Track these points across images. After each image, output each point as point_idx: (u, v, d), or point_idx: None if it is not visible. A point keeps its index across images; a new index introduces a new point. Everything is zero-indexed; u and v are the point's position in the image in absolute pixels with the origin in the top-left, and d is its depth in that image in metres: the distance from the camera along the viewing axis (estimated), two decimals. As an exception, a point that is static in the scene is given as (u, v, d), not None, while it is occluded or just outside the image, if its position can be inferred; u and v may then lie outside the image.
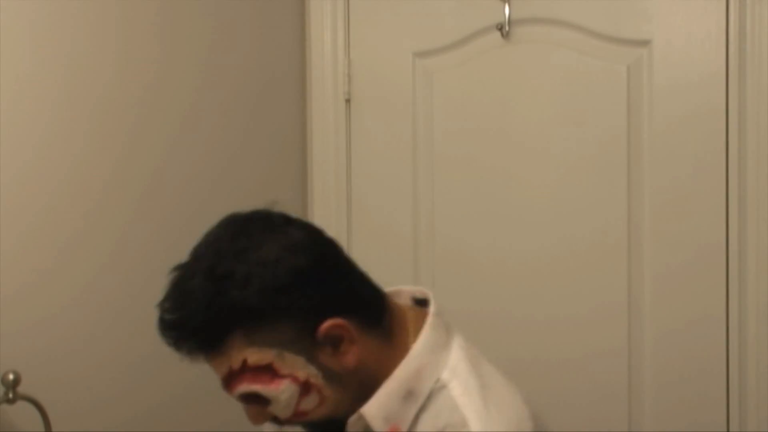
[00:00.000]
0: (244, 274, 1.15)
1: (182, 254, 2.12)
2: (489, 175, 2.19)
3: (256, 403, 1.19)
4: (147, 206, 2.03)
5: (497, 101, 2.20)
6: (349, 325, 1.15)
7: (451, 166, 2.23)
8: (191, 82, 2.13)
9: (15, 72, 1.78)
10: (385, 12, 2.33)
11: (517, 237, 2.19)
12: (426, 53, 2.29)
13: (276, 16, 2.32)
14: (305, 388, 1.16)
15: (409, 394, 1.17)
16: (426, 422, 1.17)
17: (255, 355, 1.15)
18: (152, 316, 2.03)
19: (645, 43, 2.10)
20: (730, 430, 2.04)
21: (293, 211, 2.44)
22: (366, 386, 1.18)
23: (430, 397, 1.18)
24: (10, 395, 1.71)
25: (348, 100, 2.34)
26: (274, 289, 1.13)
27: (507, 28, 2.18)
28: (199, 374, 2.11)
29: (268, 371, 1.16)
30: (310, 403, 1.17)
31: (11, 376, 1.72)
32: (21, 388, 1.73)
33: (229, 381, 1.18)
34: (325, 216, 2.35)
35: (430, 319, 1.21)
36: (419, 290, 1.28)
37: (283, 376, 1.15)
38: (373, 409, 1.17)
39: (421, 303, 1.26)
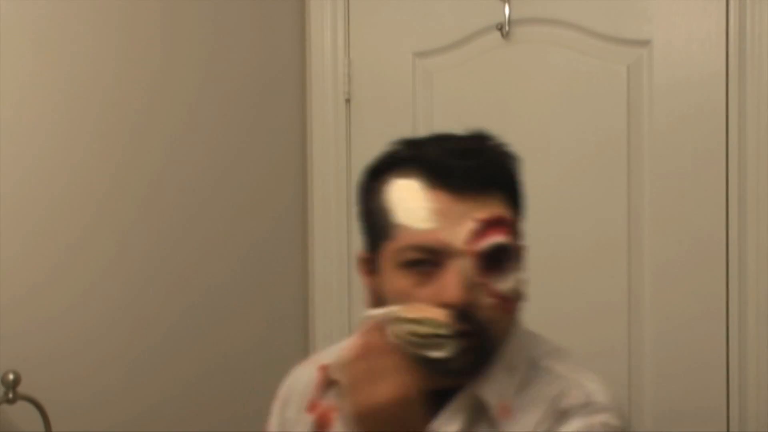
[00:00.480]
0: None
1: (183, 255, 2.13)
2: (489, 175, 2.19)
3: (490, 264, 1.14)
4: (148, 207, 2.03)
5: (497, 101, 2.20)
6: None
7: (451, 166, 2.23)
8: (191, 83, 2.13)
9: (17, 75, 1.78)
10: (385, 12, 2.33)
11: (517, 237, 2.19)
12: (426, 53, 2.29)
13: (276, 16, 2.32)
14: (520, 282, 1.19)
15: (511, 370, 1.20)
16: (531, 399, 1.18)
17: (512, 222, 1.18)
18: (152, 316, 2.05)
19: (645, 43, 2.10)
20: (730, 427, 2.04)
21: (293, 211, 2.48)
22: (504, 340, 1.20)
23: (528, 375, 1.20)
24: (10, 395, 1.72)
25: (348, 100, 2.34)
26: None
27: (507, 28, 2.18)
28: (198, 375, 2.13)
29: (513, 236, 1.18)
30: (518, 298, 1.18)
31: (11, 376, 1.72)
32: (21, 388, 1.73)
33: (484, 229, 1.14)
34: (325, 216, 2.35)
35: None
36: None
37: (517, 248, 1.18)
38: (485, 384, 1.18)
39: None
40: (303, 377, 1.33)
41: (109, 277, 1.95)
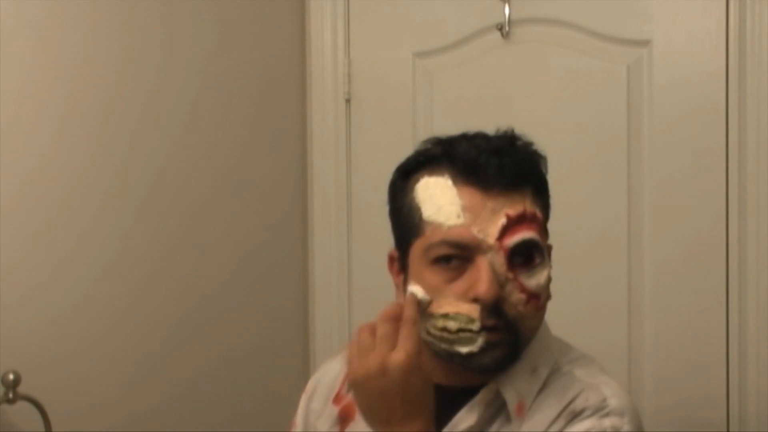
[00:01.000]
0: None
1: (183, 256, 2.13)
2: (489, 175, 2.19)
3: (519, 260, 1.16)
4: (148, 208, 2.03)
5: (497, 101, 2.20)
6: None
7: (451, 166, 2.23)
8: (192, 83, 2.13)
9: (17, 77, 1.79)
10: (385, 12, 2.32)
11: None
12: (426, 53, 2.29)
13: (276, 16, 2.32)
14: (548, 279, 1.21)
15: (533, 371, 1.22)
16: (548, 400, 1.20)
17: (541, 220, 1.21)
18: (153, 317, 2.05)
19: (645, 43, 2.10)
20: (730, 427, 2.04)
21: (293, 211, 2.48)
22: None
23: (549, 378, 1.22)
24: (10, 395, 1.72)
25: (348, 100, 2.34)
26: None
27: (507, 28, 2.18)
28: (198, 376, 2.12)
29: (541, 234, 1.20)
30: (546, 295, 1.21)
31: (11, 376, 1.72)
32: (21, 388, 1.73)
33: (514, 225, 1.16)
34: (325, 216, 2.35)
35: None
36: None
37: (545, 245, 1.21)
38: (507, 382, 1.20)
39: None
40: (332, 370, 1.37)
41: (109, 278, 1.95)
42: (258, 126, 2.28)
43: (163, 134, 2.07)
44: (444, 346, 1.16)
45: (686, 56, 2.07)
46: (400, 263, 1.25)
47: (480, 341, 1.14)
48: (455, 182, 1.18)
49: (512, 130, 1.24)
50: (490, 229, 1.15)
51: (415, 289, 1.17)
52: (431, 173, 1.20)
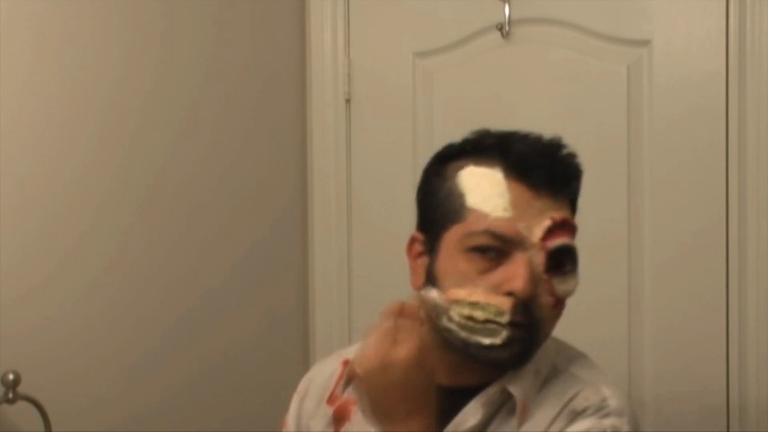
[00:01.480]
0: None
1: (183, 255, 2.13)
2: (489, 175, 2.18)
3: (554, 264, 1.18)
4: (148, 208, 2.03)
5: (497, 101, 2.20)
6: None
7: (451, 166, 2.23)
8: (191, 83, 2.13)
9: (16, 76, 1.79)
10: (385, 12, 2.32)
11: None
12: (426, 53, 2.29)
13: (276, 16, 2.32)
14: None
15: (536, 373, 1.22)
16: (547, 399, 1.21)
17: (575, 225, 1.22)
18: (152, 317, 2.05)
19: (645, 43, 2.10)
20: (730, 425, 2.04)
21: (293, 211, 2.48)
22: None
23: (548, 379, 1.23)
24: (10, 395, 1.72)
25: (348, 100, 2.34)
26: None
27: (507, 28, 2.18)
28: (198, 375, 2.12)
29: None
30: (559, 310, 1.21)
31: (11, 376, 1.72)
32: (21, 388, 1.73)
33: (556, 229, 1.17)
34: (325, 216, 2.35)
35: None
36: None
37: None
38: (516, 383, 1.20)
39: None
40: (325, 370, 1.36)
41: (109, 277, 1.95)
42: (258, 126, 2.28)
43: (163, 134, 2.07)
44: (464, 334, 1.16)
45: (686, 56, 2.07)
46: (427, 246, 1.24)
47: (504, 335, 1.14)
48: (505, 176, 1.19)
49: (560, 138, 1.26)
50: (534, 228, 1.16)
51: (434, 294, 1.18)
52: (478, 163, 1.21)
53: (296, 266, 2.37)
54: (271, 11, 2.31)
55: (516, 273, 1.15)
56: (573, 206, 1.24)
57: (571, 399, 1.20)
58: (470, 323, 1.15)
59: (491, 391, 1.21)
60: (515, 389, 1.20)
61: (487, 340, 1.15)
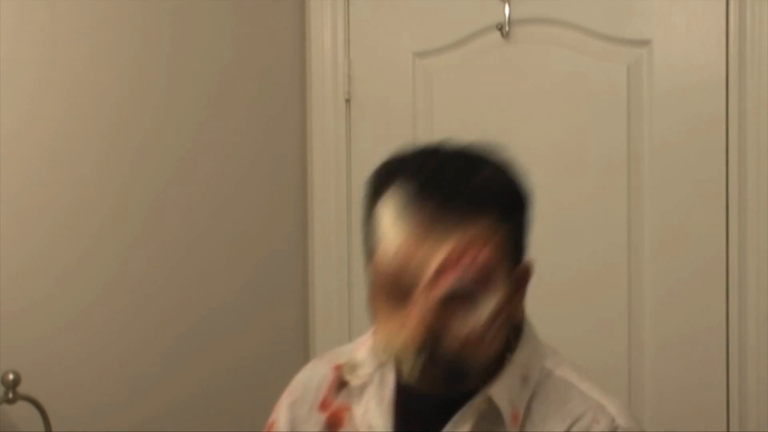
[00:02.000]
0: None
1: (187, 259, 2.13)
2: (489, 175, 2.18)
3: (460, 296, 1.10)
4: (155, 216, 2.04)
5: (497, 101, 2.20)
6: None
7: (451, 166, 2.22)
8: (191, 83, 2.13)
9: (24, 89, 1.81)
10: (385, 12, 2.32)
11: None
12: (426, 53, 2.29)
13: (276, 16, 2.32)
14: (501, 305, 1.12)
15: (524, 379, 1.19)
16: (544, 409, 1.18)
17: (492, 246, 1.10)
18: (156, 327, 2.05)
19: (645, 43, 2.10)
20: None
21: (293, 211, 2.48)
22: (496, 355, 1.17)
23: (540, 385, 1.19)
24: (10, 395, 1.72)
25: (348, 100, 2.34)
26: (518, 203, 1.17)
27: (507, 28, 2.18)
28: (199, 387, 2.12)
29: (491, 266, 1.10)
30: (494, 325, 1.13)
31: (11, 376, 1.72)
32: (21, 388, 1.73)
33: (454, 263, 1.08)
34: (325, 216, 2.35)
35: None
36: None
37: (495, 277, 1.11)
38: (500, 391, 1.17)
39: None
40: (316, 375, 1.33)
41: (113, 288, 1.95)
42: (258, 126, 2.27)
43: (162, 134, 2.07)
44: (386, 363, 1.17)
45: (686, 56, 2.07)
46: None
47: (415, 367, 1.11)
48: (399, 207, 1.10)
49: (478, 147, 1.18)
50: (427, 265, 1.09)
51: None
52: (386, 193, 1.13)
53: (296, 266, 2.36)
54: (271, 11, 2.31)
55: (408, 319, 1.10)
56: (508, 211, 1.14)
57: (577, 420, 1.16)
58: (389, 357, 1.14)
59: (476, 402, 1.17)
60: (499, 399, 1.17)
61: (405, 370, 1.12)
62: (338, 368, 1.28)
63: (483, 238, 1.10)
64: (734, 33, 2.02)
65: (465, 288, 1.09)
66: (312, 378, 1.33)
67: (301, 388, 1.34)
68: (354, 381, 1.22)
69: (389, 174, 1.15)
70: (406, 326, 1.10)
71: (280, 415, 1.33)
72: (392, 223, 1.10)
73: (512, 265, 1.15)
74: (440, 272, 1.08)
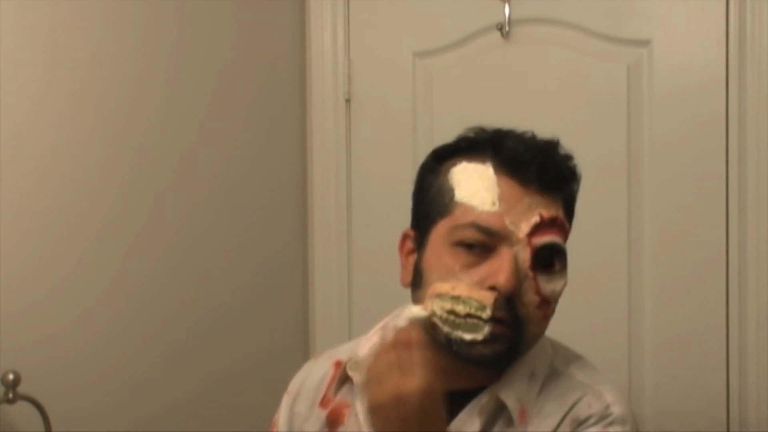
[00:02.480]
0: None
1: (186, 260, 2.13)
2: (489, 175, 2.18)
3: (541, 262, 1.16)
4: (155, 216, 2.04)
5: (497, 101, 2.20)
6: None
7: (451, 166, 2.23)
8: (191, 83, 2.13)
9: (26, 90, 1.80)
10: (385, 12, 2.32)
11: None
12: (426, 53, 2.29)
13: (276, 16, 2.32)
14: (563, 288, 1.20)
15: (532, 376, 1.21)
16: (549, 404, 1.19)
17: (568, 231, 1.21)
18: (156, 328, 2.05)
19: (645, 43, 2.10)
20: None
21: (293, 212, 2.47)
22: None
23: (547, 381, 1.21)
24: (10, 395, 1.72)
25: (348, 100, 2.34)
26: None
27: (507, 28, 2.18)
28: (200, 387, 2.12)
29: (565, 243, 1.19)
30: (554, 307, 1.19)
31: (11, 376, 1.72)
32: (21, 388, 1.73)
33: (545, 226, 1.16)
34: (325, 216, 2.35)
35: None
36: None
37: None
38: (507, 388, 1.19)
39: None
40: (317, 373, 1.33)
41: (113, 288, 1.95)
42: (258, 126, 2.27)
43: (162, 134, 2.07)
44: (446, 329, 1.14)
45: (686, 56, 2.07)
46: (417, 242, 1.23)
47: (486, 330, 1.12)
48: (496, 171, 1.17)
49: (557, 139, 1.24)
50: (522, 223, 1.15)
51: (414, 309, 1.15)
52: (471, 159, 1.20)
53: (296, 266, 2.36)
54: (271, 11, 2.31)
55: (500, 268, 1.13)
56: (569, 209, 1.23)
57: (574, 405, 1.18)
58: (452, 317, 1.13)
59: (484, 399, 1.19)
60: (507, 396, 1.18)
61: (468, 336, 1.13)
62: (339, 364, 1.28)
63: (566, 212, 1.20)
64: (734, 33, 2.02)
65: (553, 249, 1.16)
66: (311, 375, 1.34)
67: (300, 385, 1.34)
68: (357, 377, 1.21)
69: (468, 144, 1.23)
70: (499, 273, 1.13)
71: (281, 412, 1.34)
72: (486, 185, 1.16)
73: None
74: (537, 229, 1.15)
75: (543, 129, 1.29)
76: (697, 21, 2.06)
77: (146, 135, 2.03)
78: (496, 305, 1.12)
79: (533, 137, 1.23)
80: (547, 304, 1.17)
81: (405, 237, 1.27)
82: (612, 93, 2.13)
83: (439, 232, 1.19)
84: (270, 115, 2.31)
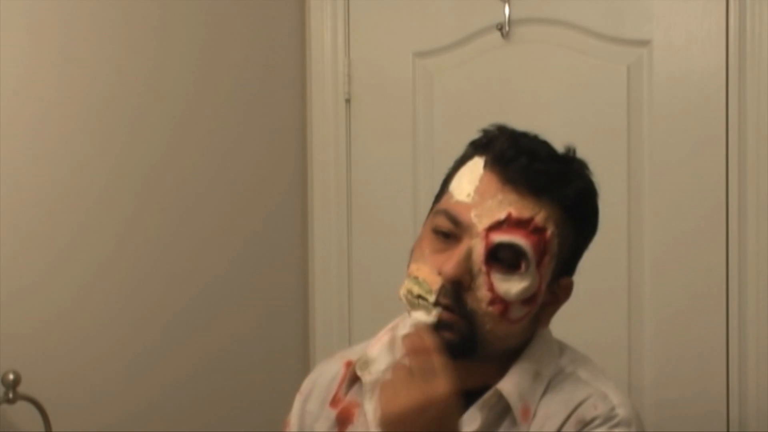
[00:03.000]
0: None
1: (181, 255, 2.13)
2: (489, 175, 2.18)
3: (504, 261, 1.16)
4: (145, 207, 2.03)
5: (497, 101, 2.20)
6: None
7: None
8: (191, 82, 2.13)
9: (12, 74, 1.78)
10: (385, 12, 2.32)
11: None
12: (426, 53, 2.29)
13: (276, 16, 2.32)
14: (535, 296, 1.19)
15: (537, 375, 1.21)
16: (554, 403, 1.20)
17: (549, 238, 1.18)
18: (151, 314, 2.05)
19: (645, 42, 2.10)
20: (730, 420, 2.03)
21: (293, 211, 2.48)
22: (511, 349, 1.22)
23: (553, 381, 1.22)
24: (10, 395, 1.72)
25: (348, 100, 2.34)
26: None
27: (507, 28, 2.18)
28: (197, 372, 2.12)
29: (540, 250, 1.17)
30: (521, 310, 1.18)
31: (11, 376, 1.72)
32: (21, 388, 1.73)
33: (510, 225, 1.16)
34: (325, 216, 2.35)
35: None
36: None
37: (541, 264, 1.18)
38: (509, 385, 1.20)
39: None
40: (328, 372, 1.35)
41: (106, 275, 1.95)
42: (258, 126, 2.28)
43: (162, 134, 2.07)
44: (407, 309, 1.18)
45: (686, 56, 2.07)
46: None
47: (434, 313, 1.15)
48: (485, 167, 1.19)
49: (574, 149, 1.27)
50: (485, 218, 1.16)
51: (417, 315, 1.17)
52: (482, 155, 1.22)
53: (296, 266, 2.37)
54: (271, 11, 2.31)
55: (451, 256, 1.16)
56: (571, 216, 1.22)
57: (579, 405, 1.19)
58: (409, 297, 1.18)
59: (486, 396, 1.20)
60: (509, 393, 1.19)
61: (418, 316, 1.16)
62: (350, 364, 1.29)
63: (547, 220, 1.18)
64: (734, 33, 2.02)
65: (514, 249, 1.15)
66: (323, 374, 1.35)
67: (312, 385, 1.36)
68: (366, 377, 1.22)
69: (482, 142, 1.23)
70: (448, 261, 1.15)
71: (293, 411, 1.35)
72: (470, 177, 1.19)
73: (559, 272, 1.22)
74: (499, 225, 1.15)
75: (543, 129, 1.29)
76: (697, 21, 2.06)
77: (142, 134, 2.03)
78: (441, 291, 1.15)
79: (529, 138, 1.24)
80: (502, 303, 1.16)
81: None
82: (612, 93, 2.13)
83: (430, 216, 1.23)
84: (270, 115, 2.31)
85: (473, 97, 2.23)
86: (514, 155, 1.18)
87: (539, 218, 1.17)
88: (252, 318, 2.24)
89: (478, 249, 1.15)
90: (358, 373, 1.25)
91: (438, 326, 1.15)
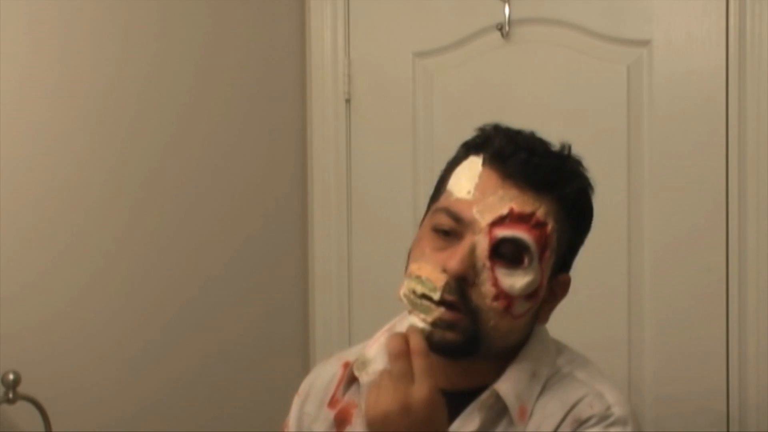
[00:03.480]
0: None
1: (181, 255, 2.13)
2: (489, 175, 2.18)
3: (507, 256, 1.16)
4: (145, 207, 2.03)
5: (497, 101, 2.20)
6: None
7: (451, 166, 2.23)
8: (191, 82, 2.13)
9: (12, 74, 1.78)
10: (385, 12, 2.32)
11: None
12: (426, 53, 2.29)
13: (276, 16, 2.32)
14: (537, 290, 1.19)
15: (533, 375, 1.22)
16: (551, 403, 1.20)
17: (549, 233, 1.18)
18: (151, 314, 2.05)
19: (645, 43, 2.10)
20: (730, 418, 2.03)
21: (293, 211, 2.48)
22: (510, 347, 1.22)
23: (550, 381, 1.22)
24: (10, 395, 1.72)
25: (348, 100, 2.34)
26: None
27: (507, 28, 2.18)
28: (197, 371, 2.13)
29: (542, 244, 1.18)
30: (524, 306, 1.18)
31: (11, 376, 1.72)
32: (21, 388, 1.73)
33: (513, 220, 1.16)
34: (325, 216, 2.35)
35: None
36: None
37: (542, 258, 1.18)
38: (506, 385, 1.20)
39: None
40: (326, 373, 1.35)
41: (106, 275, 1.95)
42: (258, 126, 2.28)
43: (162, 133, 2.07)
44: (408, 309, 1.17)
45: (686, 56, 2.07)
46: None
47: (435, 314, 1.14)
48: (483, 164, 1.19)
49: (569, 146, 1.26)
50: (488, 214, 1.16)
51: (412, 319, 1.16)
52: (477, 154, 1.22)
53: (296, 266, 2.37)
54: (271, 11, 2.31)
55: (454, 252, 1.15)
56: (571, 212, 1.22)
57: (575, 405, 1.19)
58: (411, 296, 1.16)
59: (484, 396, 1.20)
60: (506, 394, 1.19)
61: (422, 316, 1.15)
62: (347, 365, 1.29)
63: (547, 215, 1.18)
64: (734, 33, 2.02)
65: (517, 243, 1.15)
66: (321, 375, 1.35)
67: (310, 386, 1.36)
68: (363, 378, 1.22)
69: (477, 142, 1.23)
70: (452, 257, 1.15)
71: (291, 413, 1.35)
72: (469, 175, 1.19)
73: (557, 268, 1.22)
74: (502, 220, 1.15)
75: (543, 129, 1.29)
76: (697, 21, 2.06)
77: (143, 135, 2.03)
78: (446, 288, 1.14)
79: (526, 135, 1.24)
80: (506, 298, 1.16)
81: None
82: (612, 93, 2.13)
83: (428, 216, 1.23)
84: (270, 115, 2.31)
85: (473, 97, 2.23)
86: (513, 151, 1.19)
87: (540, 213, 1.17)
88: (252, 318, 2.25)
89: (482, 244, 1.15)
90: (356, 373, 1.25)
91: (441, 326, 1.14)
